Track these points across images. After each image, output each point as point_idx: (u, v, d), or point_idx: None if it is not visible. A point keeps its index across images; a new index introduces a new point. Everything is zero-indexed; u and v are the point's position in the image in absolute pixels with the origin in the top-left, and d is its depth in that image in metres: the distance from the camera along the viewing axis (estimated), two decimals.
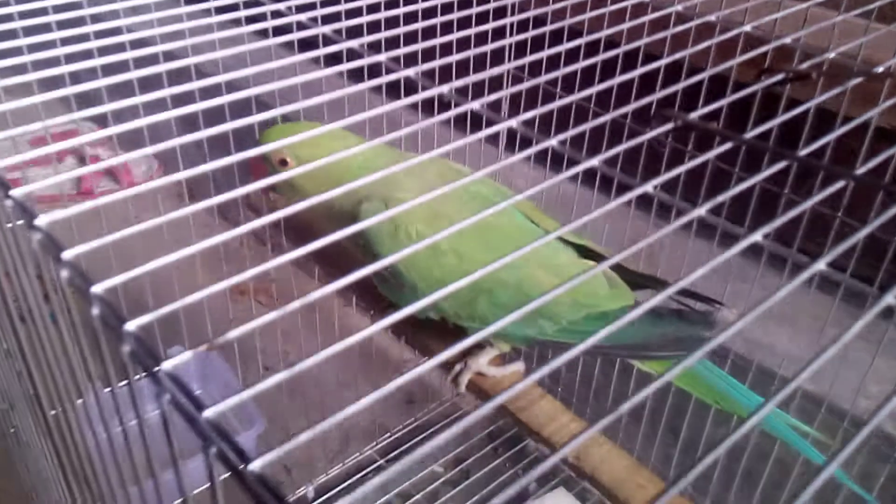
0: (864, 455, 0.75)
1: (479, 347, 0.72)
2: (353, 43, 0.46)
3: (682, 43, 0.50)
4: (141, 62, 0.45)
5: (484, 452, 1.07)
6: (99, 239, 0.30)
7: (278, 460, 0.25)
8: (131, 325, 0.27)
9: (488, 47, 0.47)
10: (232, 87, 0.41)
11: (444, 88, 0.43)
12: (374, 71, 0.46)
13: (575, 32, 0.49)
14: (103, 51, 0.45)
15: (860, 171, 0.37)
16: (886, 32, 0.57)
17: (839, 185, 0.37)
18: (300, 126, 0.64)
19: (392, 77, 0.44)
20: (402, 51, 0.46)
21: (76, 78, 0.42)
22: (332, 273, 0.82)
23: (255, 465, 0.24)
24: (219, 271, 1.17)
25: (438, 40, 0.47)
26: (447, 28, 0.50)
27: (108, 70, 0.44)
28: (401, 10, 0.54)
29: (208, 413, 0.25)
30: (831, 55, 0.49)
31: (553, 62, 0.49)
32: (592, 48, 0.49)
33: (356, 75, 0.50)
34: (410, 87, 0.44)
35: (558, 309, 0.62)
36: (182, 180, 0.34)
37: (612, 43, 0.47)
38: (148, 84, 0.45)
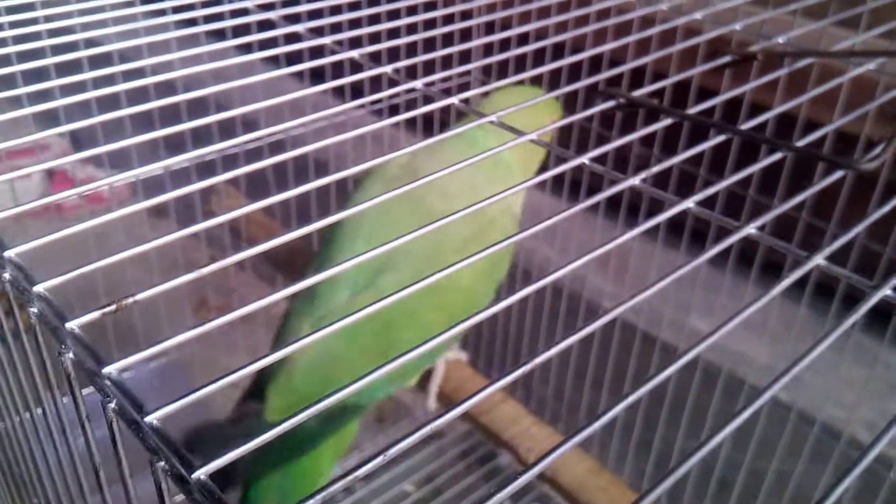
0: (837, 463, 0.73)
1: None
2: (299, 27, 0.46)
3: (627, 33, 0.50)
4: (96, 65, 0.44)
5: (456, 470, 1.05)
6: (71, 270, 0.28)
7: None
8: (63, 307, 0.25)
9: (436, 31, 0.47)
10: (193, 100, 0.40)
11: (388, 69, 0.43)
12: (317, 54, 0.46)
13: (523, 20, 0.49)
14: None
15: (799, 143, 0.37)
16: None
17: (777, 156, 0.36)
18: (519, 92, 0.63)
19: (335, 58, 0.43)
20: (344, 34, 0.45)
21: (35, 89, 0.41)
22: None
23: (200, 473, 0.21)
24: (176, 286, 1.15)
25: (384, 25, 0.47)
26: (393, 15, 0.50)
27: (65, 78, 0.42)
28: None
29: (109, 369, 0.24)
30: (780, 39, 0.49)
31: (504, 47, 0.49)
32: (540, 35, 0.48)
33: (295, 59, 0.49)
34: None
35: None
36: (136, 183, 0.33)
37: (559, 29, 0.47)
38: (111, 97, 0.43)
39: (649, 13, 0.55)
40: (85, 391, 0.27)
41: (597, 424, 0.23)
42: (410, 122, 0.98)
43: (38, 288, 0.27)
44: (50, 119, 0.49)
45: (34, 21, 0.48)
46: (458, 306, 0.56)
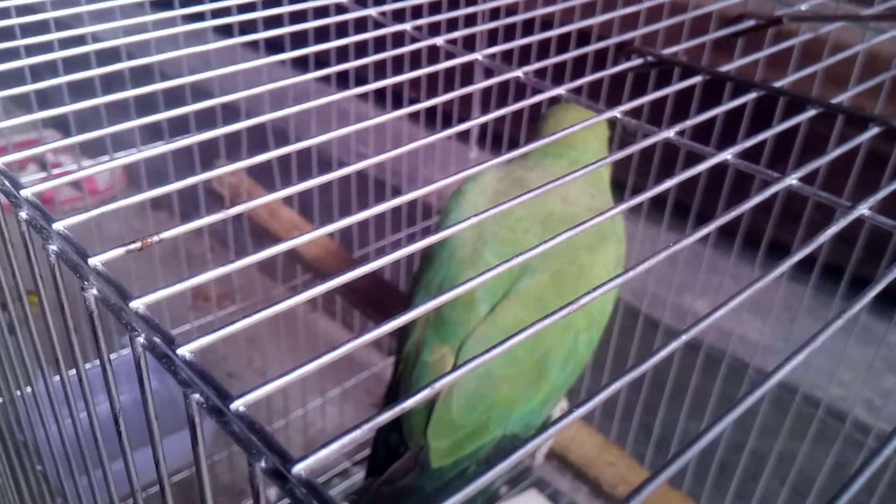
0: (840, 443, 0.73)
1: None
2: None
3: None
4: (103, 60, 0.42)
5: None
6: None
7: None
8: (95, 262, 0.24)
9: None
10: (197, 90, 0.38)
11: (407, 26, 0.42)
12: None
13: None
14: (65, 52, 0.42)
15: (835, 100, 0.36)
16: None
17: (811, 112, 0.36)
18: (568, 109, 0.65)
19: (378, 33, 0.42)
20: None
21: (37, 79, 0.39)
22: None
23: (238, 404, 0.20)
24: (179, 276, 1.14)
25: None
26: None
27: (70, 69, 0.40)
28: None
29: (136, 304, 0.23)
30: (802, 7, 0.49)
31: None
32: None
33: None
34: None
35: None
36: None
37: None
38: (110, 84, 0.41)
39: None
40: (113, 356, 0.26)
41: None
42: (413, 114, 0.96)
43: (58, 226, 0.26)
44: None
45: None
46: (595, 307, 0.55)
